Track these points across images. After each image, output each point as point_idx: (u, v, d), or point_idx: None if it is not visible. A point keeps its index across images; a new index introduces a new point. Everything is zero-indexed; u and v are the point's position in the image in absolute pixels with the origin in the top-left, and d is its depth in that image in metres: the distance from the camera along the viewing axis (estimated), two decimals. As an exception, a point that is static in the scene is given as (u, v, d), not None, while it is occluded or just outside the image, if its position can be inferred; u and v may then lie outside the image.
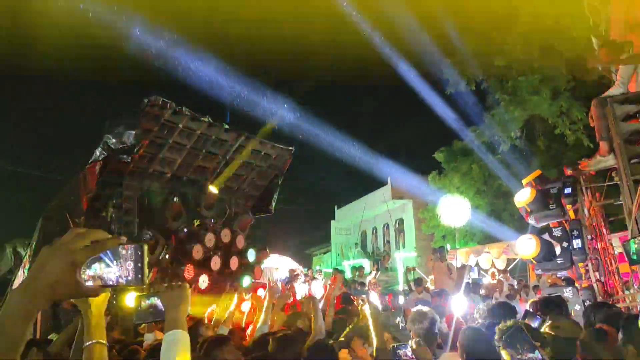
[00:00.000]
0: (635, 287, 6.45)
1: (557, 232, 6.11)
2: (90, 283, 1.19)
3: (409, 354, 3.38)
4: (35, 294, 1.09)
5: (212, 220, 10.70)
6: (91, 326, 1.85)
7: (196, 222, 10.48)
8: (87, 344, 1.85)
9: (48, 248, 1.13)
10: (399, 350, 3.46)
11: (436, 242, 20.61)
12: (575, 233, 5.86)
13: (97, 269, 1.23)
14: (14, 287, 4.75)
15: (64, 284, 1.11)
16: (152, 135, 9.16)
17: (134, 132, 8.25)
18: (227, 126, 10.26)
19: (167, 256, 9.53)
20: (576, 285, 6.42)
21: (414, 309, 4.67)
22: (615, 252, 7.17)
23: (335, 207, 32.64)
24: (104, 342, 1.87)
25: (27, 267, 8.98)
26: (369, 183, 28.52)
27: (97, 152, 8.20)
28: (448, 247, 18.08)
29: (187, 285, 2.13)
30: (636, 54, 5.64)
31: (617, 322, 3.58)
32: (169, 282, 2.26)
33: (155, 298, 2.16)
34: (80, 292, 1.16)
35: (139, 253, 1.27)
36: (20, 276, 9.14)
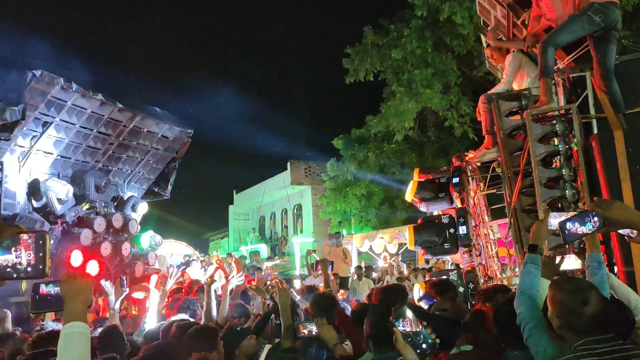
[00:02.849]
0: (512, 270, 7.05)
1: (445, 219, 6.49)
2: None
3: (314, 331, 3.46)
4: None
5: (103, 204, 10.20)
6: None
7: (85, 206, 9.92)
8: None
9: None
10: (304, 329, 3.54)
11: (333, 227, 21.10)
12: (461, 220, 6.25)
13: None
14: None
15: None
16: (37, 112, 8.51)
17: (16, 108, 7.62)
18: (120, 105, 9.76)
19: (52, 242, 8.95)
20: (460, 268, 6.89)
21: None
22: (495, 238, 7.78)
23: (234, 191, 32.32)
24: None
25: None
26: (269, 168, 28.57)
27: (-27, 129, 7.50)
28: (344, 232, 18.64)
29: (90, 275, 2.00)
30: (514, 40, 6.12)
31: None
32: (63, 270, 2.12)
33: (55, 286, 2.02)
34: None
35: (40, 242, 1.19)
36: None
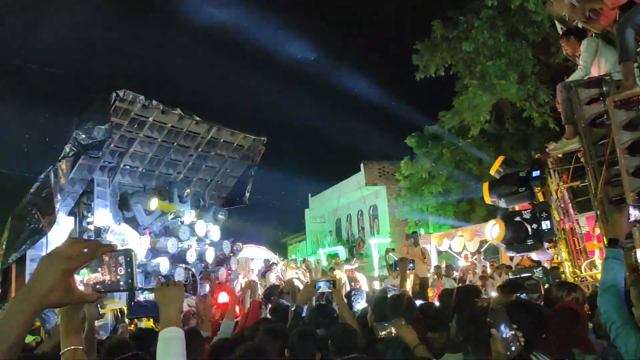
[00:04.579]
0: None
1: (527, 215, 6.25)
2: (81, 288, 1.21)
3: (393, 332, 3.45)
4: (29, 302, 1.13)
5: (187, 214, 10.65)
6: (66, 332, 1.85)
7: (170, 216, 10.42)
8: (64, 350, 1.85)
9: (44, 257, 1.16)
10: (381, 331, 3.54)
11: (410, 227, 20.80)
12: (544, 215, 6.00)
13: (85, 273, 1.26)
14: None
15: (57, 291, 1.14)
16: (122, 130, 9.06)
17: (103, 127, 8.13)
18: (197, 118, 10.18)
19: (144, 250, 9.47)
20: (545, 265, 6.61)
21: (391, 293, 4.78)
22: (583, 232, 7.39)
23: (309, 195, 32.63)
24: (80, 347, 1.87)
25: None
26: (342, 170, 28.61)
27: (67, 148, 8.08)
28: (421, 231, 18.36)
29: (182, 283, 2.13)
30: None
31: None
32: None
33: (149, 294, 2.17)
34: (74, 298, 1.18)
35: (128, 259, 1.30)
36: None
